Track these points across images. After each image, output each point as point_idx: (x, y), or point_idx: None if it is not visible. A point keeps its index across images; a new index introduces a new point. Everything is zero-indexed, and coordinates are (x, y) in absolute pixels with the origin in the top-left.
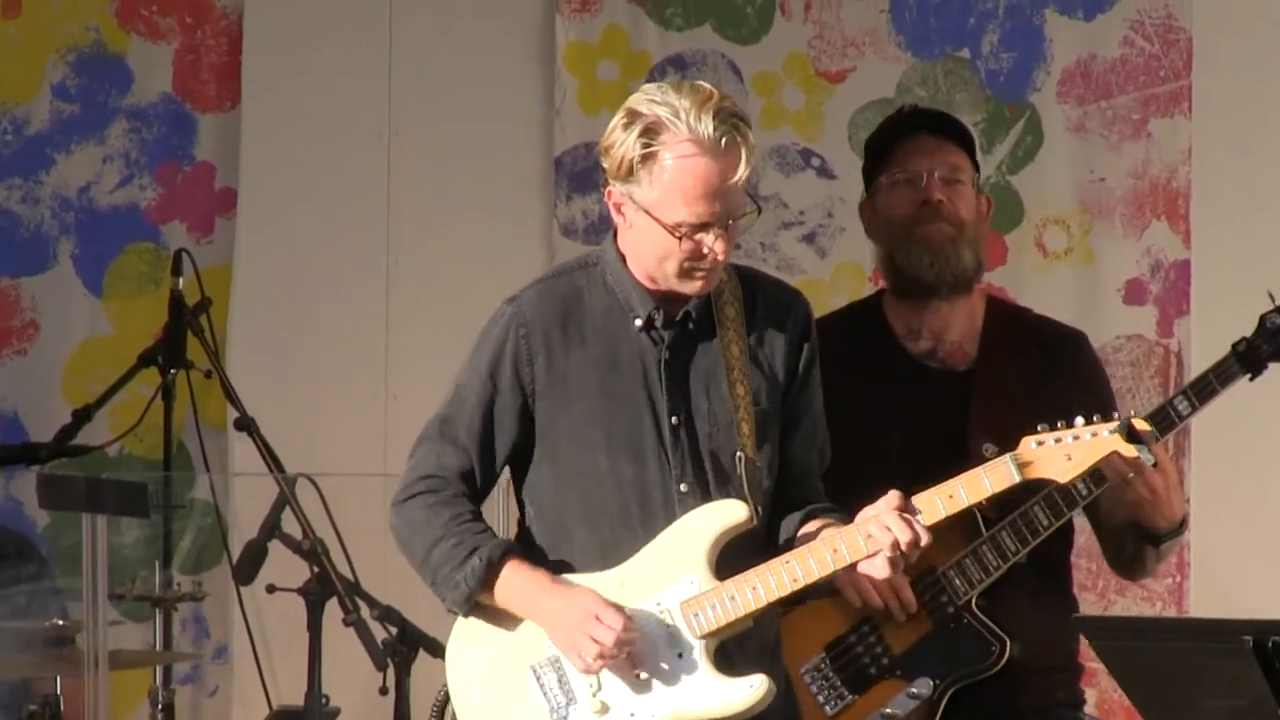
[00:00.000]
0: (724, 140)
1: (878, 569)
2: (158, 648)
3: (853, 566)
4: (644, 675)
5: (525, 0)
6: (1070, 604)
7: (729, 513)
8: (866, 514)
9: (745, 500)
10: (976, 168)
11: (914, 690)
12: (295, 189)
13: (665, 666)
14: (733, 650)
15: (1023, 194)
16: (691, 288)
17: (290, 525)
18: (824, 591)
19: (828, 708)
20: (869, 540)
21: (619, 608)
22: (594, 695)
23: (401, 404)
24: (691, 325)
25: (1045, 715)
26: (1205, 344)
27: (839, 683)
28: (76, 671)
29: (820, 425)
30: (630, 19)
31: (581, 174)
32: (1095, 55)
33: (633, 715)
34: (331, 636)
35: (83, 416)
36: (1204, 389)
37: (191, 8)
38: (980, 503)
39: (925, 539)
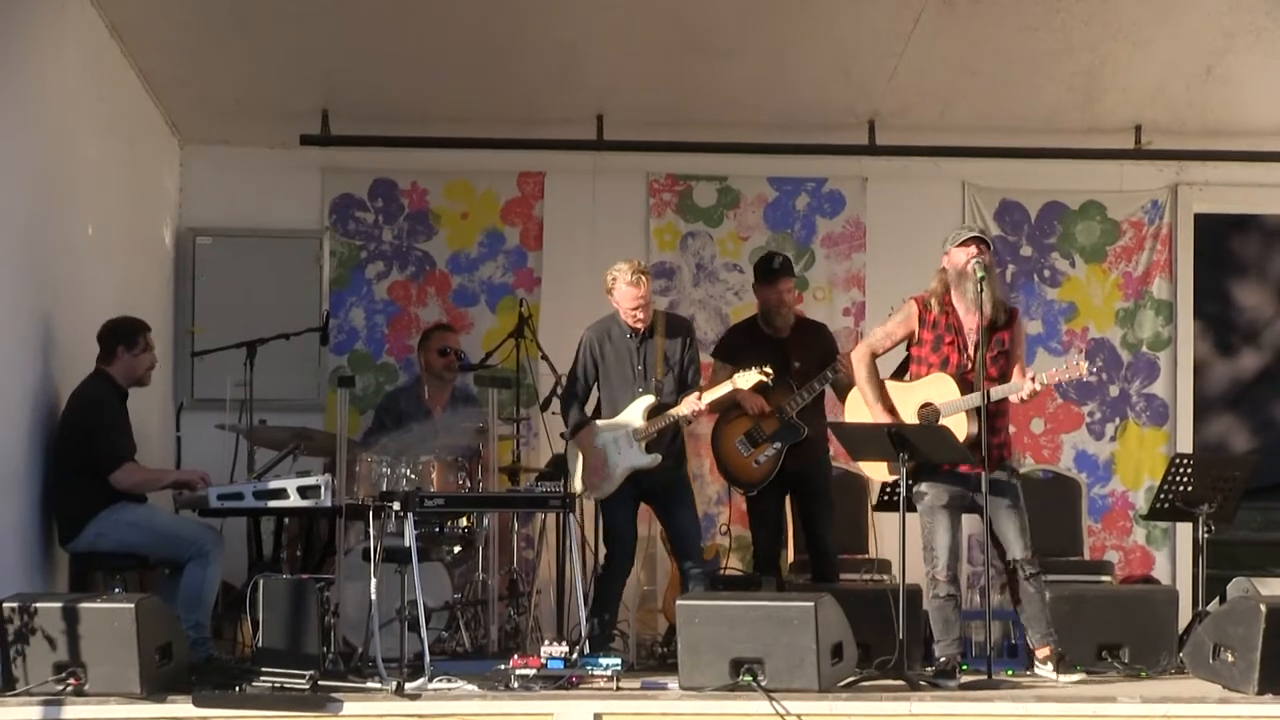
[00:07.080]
0: (638, 279)
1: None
2: None
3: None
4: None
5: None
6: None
7: (647, 399)
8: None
9: (656, 396)
10: None
11: (774, 447)
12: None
13: (629, 447)
14: (653, 445)
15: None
16: (638, 323)
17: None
18: (738, 411)
19: (743, 452)
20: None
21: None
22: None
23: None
24: (647, 336)
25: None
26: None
27: (747, 444)
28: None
29: (692, 374)
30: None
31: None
32: (838, 230)
33: (619, 458)
34: None
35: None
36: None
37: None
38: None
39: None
